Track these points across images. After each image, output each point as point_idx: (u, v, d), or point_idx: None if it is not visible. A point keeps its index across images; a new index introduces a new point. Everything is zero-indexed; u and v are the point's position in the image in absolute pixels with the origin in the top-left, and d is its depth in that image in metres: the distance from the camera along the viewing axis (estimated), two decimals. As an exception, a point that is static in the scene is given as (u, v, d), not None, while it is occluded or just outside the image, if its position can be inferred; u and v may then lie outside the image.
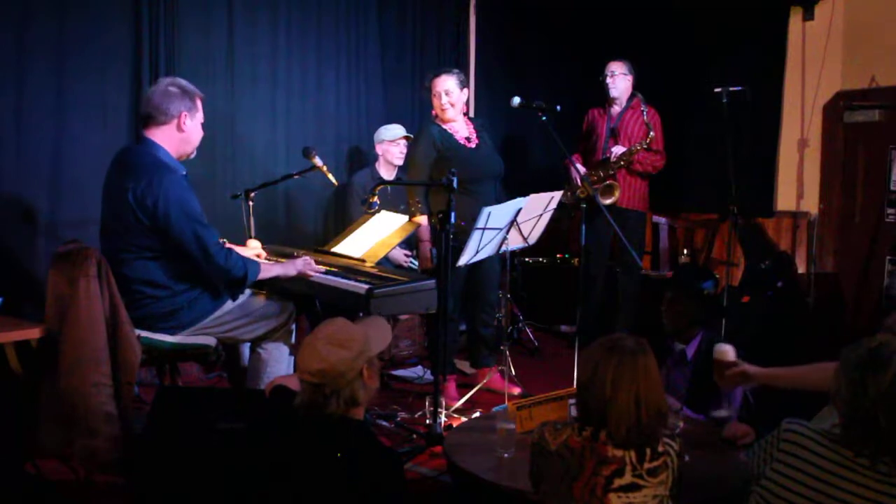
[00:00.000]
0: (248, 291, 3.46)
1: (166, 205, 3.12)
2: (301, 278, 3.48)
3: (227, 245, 3.38)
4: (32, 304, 3.43)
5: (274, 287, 3.55)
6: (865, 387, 1.81)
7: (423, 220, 4.11)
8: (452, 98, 4.17)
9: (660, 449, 2.00)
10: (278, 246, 4.06)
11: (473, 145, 4.24)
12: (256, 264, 3.37)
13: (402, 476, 2.22)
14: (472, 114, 4.39)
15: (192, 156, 3.44)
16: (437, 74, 4.24)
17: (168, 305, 3.26)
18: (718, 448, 2.69)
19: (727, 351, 2.66)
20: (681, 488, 2.05)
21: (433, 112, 4.29)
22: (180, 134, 3.30)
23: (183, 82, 3.35)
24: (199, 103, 3.36)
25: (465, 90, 4.23)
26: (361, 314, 3.36)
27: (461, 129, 4.25)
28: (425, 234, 4.22)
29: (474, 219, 3.62)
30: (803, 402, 2.73)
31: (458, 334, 4.42)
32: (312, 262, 3.53)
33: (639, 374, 2.00)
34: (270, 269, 3.43)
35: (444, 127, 4.21)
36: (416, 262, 4.89)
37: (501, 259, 4.28)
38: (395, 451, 2.64)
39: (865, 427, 1.81)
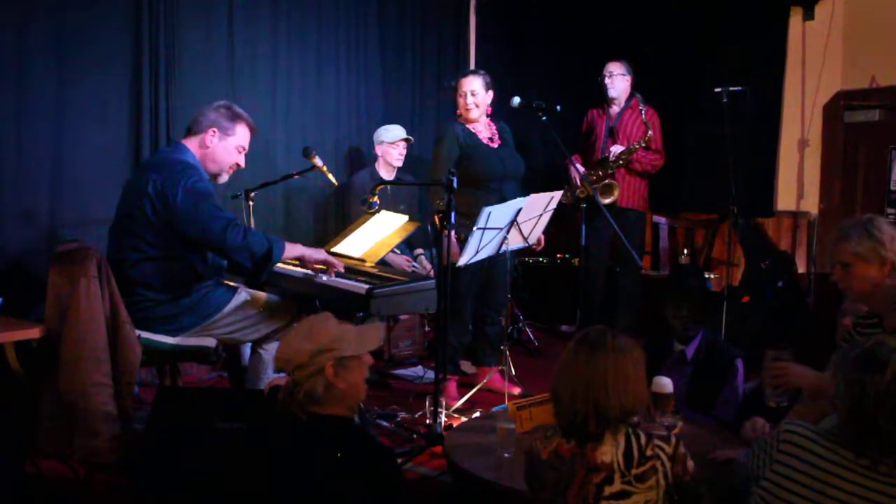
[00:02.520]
0: (248, 293, 3.46)
1: (185, 192, 3.15)
2: (303, 278, 3.48)
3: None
4: (32, 304, 3.43)
5: (275, 287, 3.55)
6: (864, 387, 1.80)
7: None
8: (478, 99, 4.23)
9: (648, 452, 1.98)
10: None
11: (496, 145, 4.29)
12: (282, 241, 3.32)
13: (398, 473, 2.21)
14: (489, 114, 4.41)
15: (221, 180, 3.48)
16: (465, 75, 4.32)
17: (169, 309, 3.27)
18: (718, 448, 2.68)
19: (666, 384, 2.69)
20: (684, 492, 2.03)
21: (457, 112, 4.34)
22: (204, 150, 3.35)
23: (236, 107, 3.42)
24: (239, 129, 3.39)
25: (490, 92, 4.28)
26: (362, 314, 3.36)
27: (484, 129, 4.31)
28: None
29: None
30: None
31: (467, 334, 4.42)
32: (339, 265, 3.49)
33: (577, 369, 1.99)
34: (297, 248, 3.41)
35: (468, 126, 4.26)
36: (418, 266, 4.89)
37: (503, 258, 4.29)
38: (389, 449, 2.64)
39: (865, 428, 1.80)
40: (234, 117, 3.38)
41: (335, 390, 2.10)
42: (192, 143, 3.35)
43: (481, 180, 4.14)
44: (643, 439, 2.00)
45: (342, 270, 3.46)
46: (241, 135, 3.41)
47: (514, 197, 3.99)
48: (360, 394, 2.19)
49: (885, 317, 2.52)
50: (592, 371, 1.98)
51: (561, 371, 2.04)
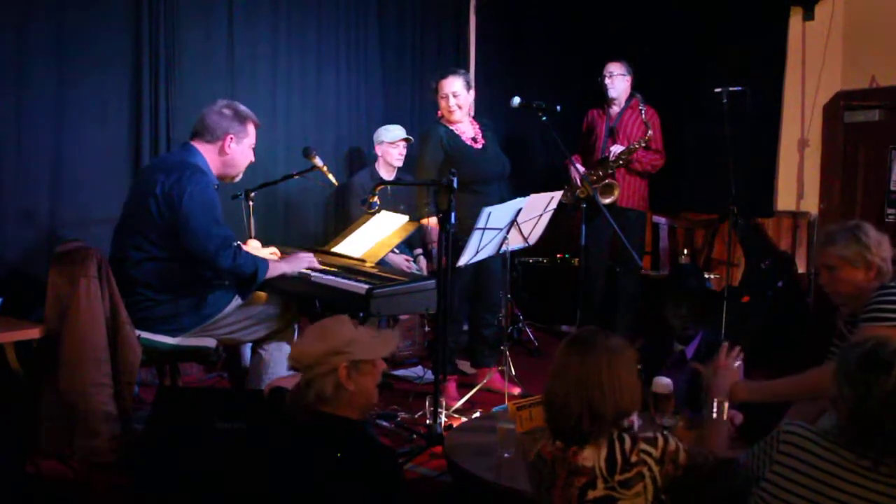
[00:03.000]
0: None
1: (190, 199, 3.17)
2: (302, 278, 3.49)
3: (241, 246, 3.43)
4: (32, 304, 3.43)
5: (275, 288, 3.55)
6: (869, 389, 1.80)
7: (432, 221, 4.10)
8: (460, 100, 4.16)
9: (633, 458, 1.95)
10: (281, 246, 4.06)
11: (480, 146, 4.24)
12: (266, 262, 3.39)
13: (398, 474, 2.21)
14: (472, 114, 4.39)
15: (237, 179, 3.52)
16: (444, 76, 4.22)
17: (170, 309, 3.27)
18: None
19: (666, 384, 2.72)
20: (677, 489, 2.01)
21: (438, 113, 4.28)
22: (223, 157, 3.38)
23: (239, 106, 3.43)
24: (250, 128, 3.42)
25: (472, 91, 4.22)
26: (362, 314, 3.36)
27: (467, 129, 4.26)
28: (435, 234, 4.20)
29: None
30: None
31: (462, 334, 4.42)
32: (314, 258, 3.55)
33: (571, 370, 1.97)
34: (278, 267, 3.45)
35: (451, 128, 4.21)
36: (417, 266, 4.89)
37: (502, 259, 4.29)
38: (390, 450, 2.64)
39: (870, 429, 1.80)
40: (244, 119, 3.41)
41: (345, 392, 2.10)
42: (205, 149, 3.37)
43: (466, 183, 4.06)
44: (628, 444, 1.96)
45: (317, 266, 3.50)
46: (252, 133, 3.46)
47: (498, 197, 3.98)
48: (371, 398, 2.20)
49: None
50: (587, 370, 1.96)
51: (554, 372, 2.02)
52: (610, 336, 2.04)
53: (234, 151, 3.39)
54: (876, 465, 1.79)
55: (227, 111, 3.38)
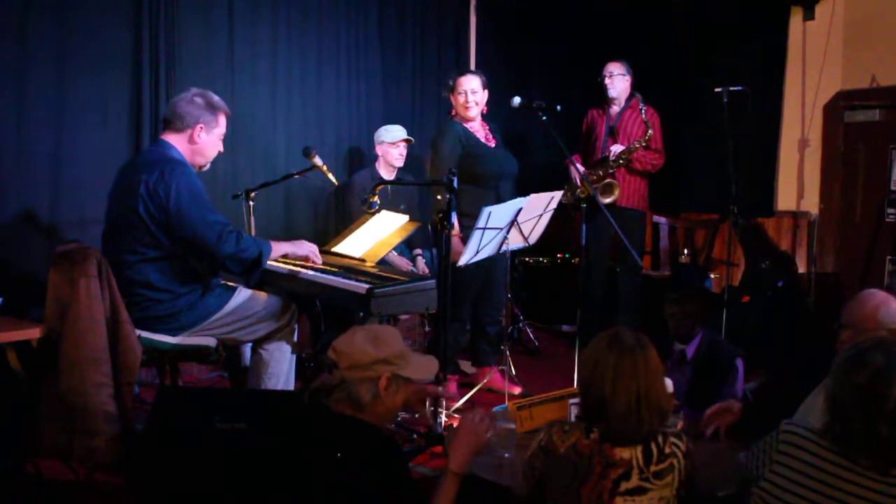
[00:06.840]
0: (248, 292, 3.46)
1: (178, 193, 3.16)
2: (301, 278, 3.49)
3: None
4: (32, 304, 3.43)
5: (275, 287, 3.55)
6: (844, 387, 1.81)
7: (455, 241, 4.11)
8: (477, 97, 4.27)
9: (667, 450, 2.00)
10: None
11: (493, 144, 4.33)
12: (268, 244, 3.39)
13: (408, 476, 2.21)
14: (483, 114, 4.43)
15: (204, 169, 3.50)
16: (463, 73, 4.34)
17: (169, 308, 3.27)
18: (718, 448, 2.69)
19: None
20: (690, 488, 2.04)
21: (453, 111, 4.35)
22: (192, 145, 3.35)
23: (211, 95, 3.41)
24: (221, 119, 3.40)
25: (486, 91, 4.30)
26: (362, 314, 3.36)
27: (479, 129, 4.35)
28: (457, 246, 4.19)
29: None
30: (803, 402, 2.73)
31: (464, 335, 4.43)
32: (317, 251, 3.58)
33: (638, 371, 1.99)
34: (280, 247, 3.47)
35: (466, 126, 4.29)
36: (416, 269, 4.89)
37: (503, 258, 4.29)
38: (401, 451, 2.63)
39: (867, 438, 1.79)
40: (215, 109, 3.39)
41: (379, 402, 2.09)
42: (176, 140, 3.34)
43: (482, 179, 4.16)
44: (660, 437, 2.02)
45: (319, 264, 3.50)
46: (223, 124, 3.44)
47: (511, 195, 4.00)
48: (393, 416, 2.21)
49: None
50: (647, 369, 2.00)
51: (608, 376, 2.00)
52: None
53: (204, 141, 3.36)
54: (884, 474, 1.78)
55: (198, 100, 3.36)
